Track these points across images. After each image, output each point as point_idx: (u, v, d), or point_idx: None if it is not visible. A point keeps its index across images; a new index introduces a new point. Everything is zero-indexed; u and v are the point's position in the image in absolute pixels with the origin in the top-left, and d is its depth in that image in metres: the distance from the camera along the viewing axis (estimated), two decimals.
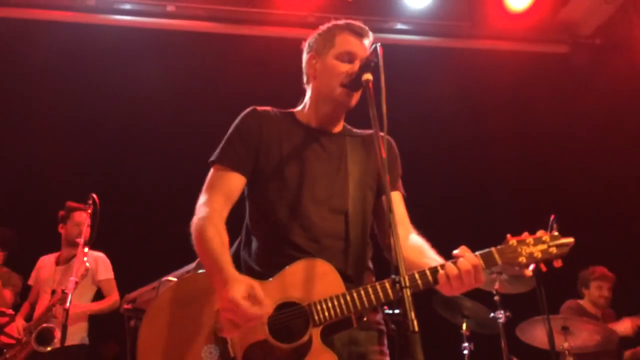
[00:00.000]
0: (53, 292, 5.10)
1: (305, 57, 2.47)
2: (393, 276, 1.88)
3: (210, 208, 2.19)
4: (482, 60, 6.69)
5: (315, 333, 2.01)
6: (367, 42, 2.38)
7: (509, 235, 2.08)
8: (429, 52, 6.75)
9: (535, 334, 4.84)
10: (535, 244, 2.05)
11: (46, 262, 5.51)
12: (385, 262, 2.24)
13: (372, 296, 2.03)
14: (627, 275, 5.85)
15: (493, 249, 2.06)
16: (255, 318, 1.92)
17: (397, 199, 2.41)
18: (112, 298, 5.34)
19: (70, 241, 5.35)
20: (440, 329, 5.40)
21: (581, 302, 5.74)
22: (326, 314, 2.02)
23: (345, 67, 2.31)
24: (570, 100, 6.73)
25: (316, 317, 2.02)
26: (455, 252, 2.05)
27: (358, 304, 2.03)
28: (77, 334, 5.09)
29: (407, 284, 1.76)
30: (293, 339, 2.01)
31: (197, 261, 3.80)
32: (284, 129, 2.37)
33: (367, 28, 2.40)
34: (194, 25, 6.33)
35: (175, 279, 3.80)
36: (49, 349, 4.75)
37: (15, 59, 6.18)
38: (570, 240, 2.05)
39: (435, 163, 6.74)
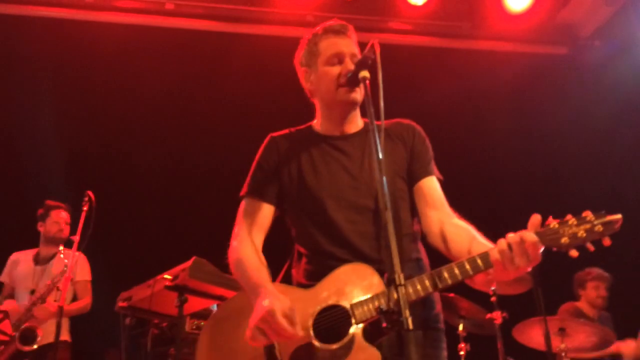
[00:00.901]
0: (32, 291, 5.03)
1: (300, 74, 2.50)
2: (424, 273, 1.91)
3: (242, 237, 2.36)
4: (481, 61, 6.68)
5: (357, 332, 2.02)
6: (351, 35, 2.39)
7: (550, 218, 1.94)
8: (428, 52, 6.74)
9: (532, 335, 4.82)
10: (579, 224, 1.89)
11: (22, 259, 5.40)
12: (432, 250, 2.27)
13: (411, 291, 1.97)
14: (627, 278, 5.83)
15: (533, 232, 1.93)
16: (286, 336, 2.00)
17: (432, 184, 2.39)
18: (84, 301, 5.25)
19: (49, 239, 5.29)
20: None
21: (578, 304, 5.75)
22: (367, 313, 2.01)
23: (336, 70, 2.33)
24: (569, 101, 6.72)
25: (357, 317, 2.02)
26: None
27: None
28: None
29: (403, 281, 1.76)
30: (337, 340, 2.03)
31: (192, 260, 3.79)
32: (302, 146, 2.42)
33: (345, 23, 2.41)
34: (192, 23, 6.32)
35: (170, 277, 3.80)
36: (35, 347, 4.75)
37: (12, 56, 6.16)
38: (618, 216, 1.89)
39: (434, 164, 6.71)
